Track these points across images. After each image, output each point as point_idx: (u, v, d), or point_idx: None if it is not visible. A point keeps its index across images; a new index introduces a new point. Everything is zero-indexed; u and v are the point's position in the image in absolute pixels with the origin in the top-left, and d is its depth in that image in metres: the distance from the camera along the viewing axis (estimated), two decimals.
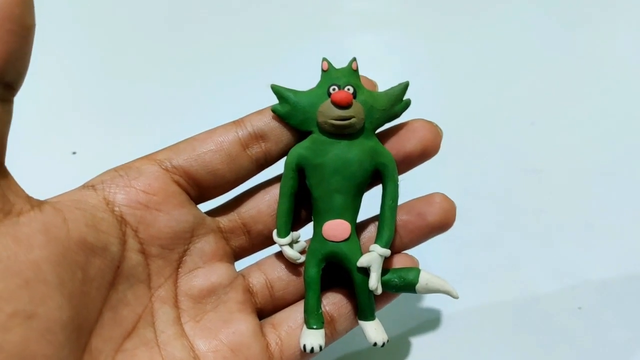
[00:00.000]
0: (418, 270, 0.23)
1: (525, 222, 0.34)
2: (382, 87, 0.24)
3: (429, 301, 0.31)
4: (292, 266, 0.24)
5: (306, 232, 0.25)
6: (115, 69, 0.43)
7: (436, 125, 0.23)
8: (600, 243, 0.33)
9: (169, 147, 0.23)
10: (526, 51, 0.42)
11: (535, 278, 0.32)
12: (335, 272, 0.24)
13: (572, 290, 0.31)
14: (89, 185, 0.21)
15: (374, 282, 0.22)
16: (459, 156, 0.36)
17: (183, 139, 0.23)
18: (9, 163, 0.18)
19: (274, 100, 0.23)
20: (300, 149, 0.23)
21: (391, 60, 0.43)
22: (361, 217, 0.24)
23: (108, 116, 0.40)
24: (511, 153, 0.37)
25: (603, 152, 0.37)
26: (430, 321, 0.30)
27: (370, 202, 0.24)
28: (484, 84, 0.41)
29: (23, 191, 0.18)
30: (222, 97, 0.40)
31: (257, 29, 0.45)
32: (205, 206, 0.24)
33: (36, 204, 0.18)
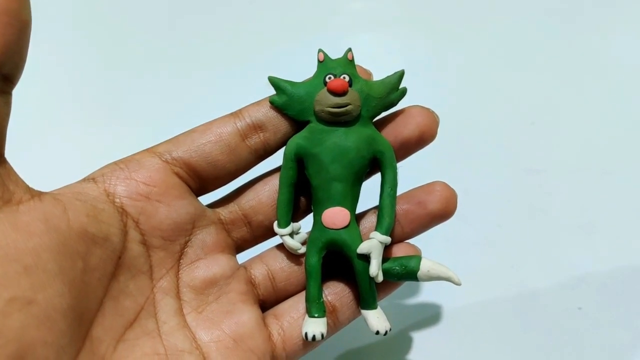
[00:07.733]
0: (419, 258, 0.23)
1: (525, 222, 0.34)
2: None
3: (431, 297, 0.31)
4: (293, 257, 0.24)
5: (307, 224, 0.25)
6: (114, 63, 0.43)
7: (433, 112, 0.23)
8: (600, 243, 0.33)
9: (168, 140, 0.23)
10: (526, 51, 0.42)
11: (535, 278, 0.32)
12: (336, 262, 0.24)
13: (572, 290, 0.31)
14: (90, 178, 0.21)
15: (375, 268, 0.22)
16: (459, 156, 0.36)
17: (182, 132, 0.23)
18: (10, 157, 0.18)
19: (271, 94, 0.23)
20: (299, 139, 0.23)
21: (391, 60, 0.43)
22: (361, 207, 0.24)
23: (107, 111, 0.40)
24: (511, 153, 0.37)
25: (603, 152, 0.37)
26: (432, 318, 0.30)
27: (371, 193, 0.24)
28: (484, 84, 0.41)
29: (23, 182, 0.18)
30: (220, 94, 0.40)
31: (257, 28, 0.45)
32: (205, 200, 0.24)
33: (36, 194, 0.18)
